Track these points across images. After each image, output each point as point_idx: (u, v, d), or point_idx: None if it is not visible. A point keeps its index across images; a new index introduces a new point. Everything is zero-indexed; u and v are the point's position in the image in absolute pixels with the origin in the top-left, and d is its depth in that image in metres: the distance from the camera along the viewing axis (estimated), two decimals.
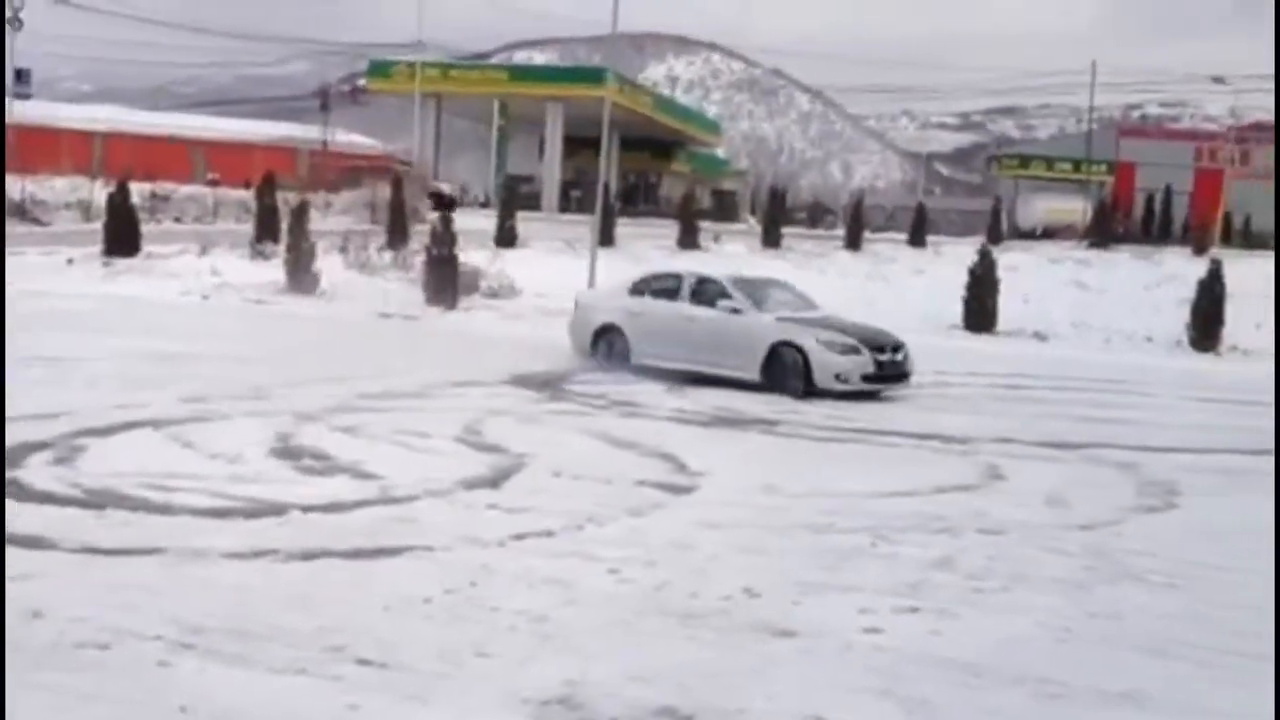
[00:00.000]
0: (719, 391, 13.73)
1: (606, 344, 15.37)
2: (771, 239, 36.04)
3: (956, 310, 23.71)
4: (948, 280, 25.20)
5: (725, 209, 60.35)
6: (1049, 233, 49.75)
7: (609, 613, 5.58)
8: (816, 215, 57.23)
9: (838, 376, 13.69)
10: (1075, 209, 48.89)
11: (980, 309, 23.59)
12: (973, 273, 23.94)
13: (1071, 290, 27.49)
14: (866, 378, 13.85)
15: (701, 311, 14.79)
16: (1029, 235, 49.21)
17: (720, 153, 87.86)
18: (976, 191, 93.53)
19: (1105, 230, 35.76)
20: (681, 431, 11.03)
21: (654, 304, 15.28)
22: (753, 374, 14.06)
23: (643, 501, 7.97)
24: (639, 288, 15.81)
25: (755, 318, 14.44)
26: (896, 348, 14.29)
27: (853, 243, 36.50)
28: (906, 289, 28.26)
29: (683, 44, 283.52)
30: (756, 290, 15.27)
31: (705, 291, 15.04)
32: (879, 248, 36.26)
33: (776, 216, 37.76)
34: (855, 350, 13.86)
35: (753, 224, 48.02)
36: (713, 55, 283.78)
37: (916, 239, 37.89)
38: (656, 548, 6.75)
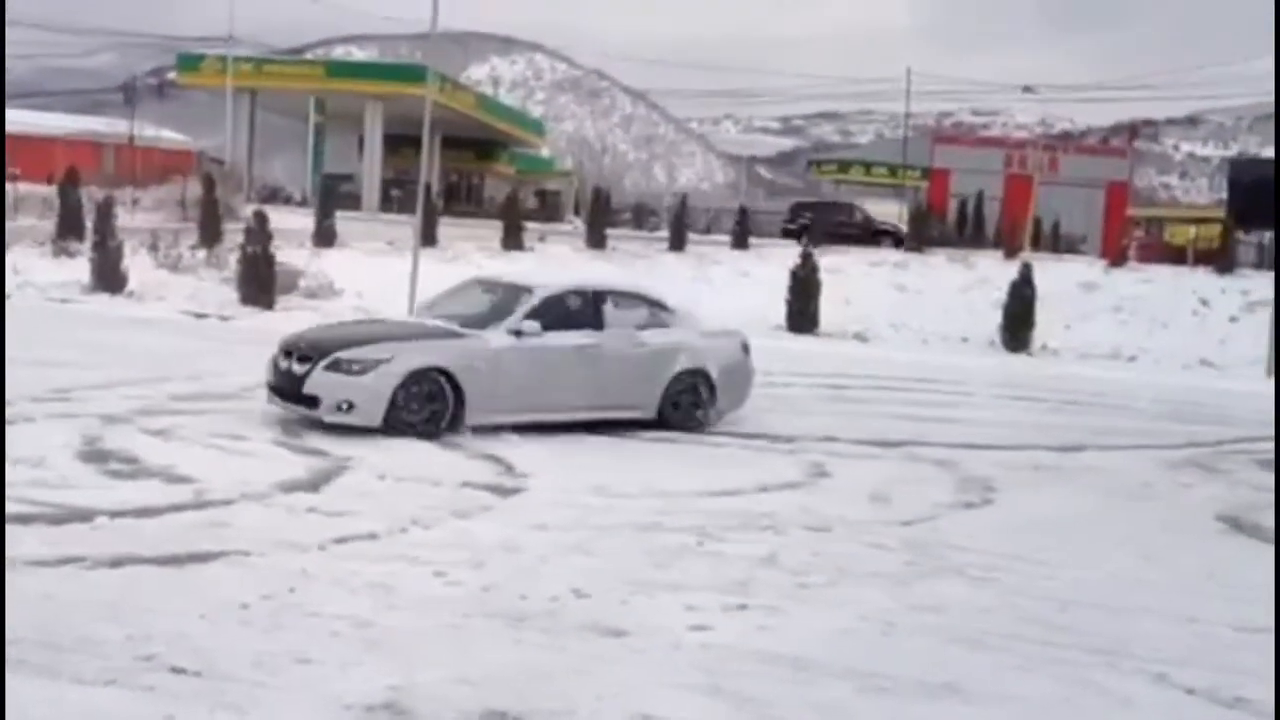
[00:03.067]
0: None
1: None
2: (596, 240, 36.12)
3: (780, 312, 24.16)
4: (771, 282, 25.66)
5: (550, 209, 60.23)
6: None
7: (435, 616, 5.50)
8: (641, 216, 57.60)
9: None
10: (892, 213, 50.27)
11: (803, 311, 24.09)
12: (795, 275, 24.44)
13: (890, 292, 28.24)
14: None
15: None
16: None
17: (544, 153, 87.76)
18: (798, 195, 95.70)
19: (921, 234, 36.89)
20: (509, 434, 10.95)
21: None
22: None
23: (470, 504, 7.89)
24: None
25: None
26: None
27: (677, 244, 36.82)
28: (731, 291, 28.65)
29: (506, 44, 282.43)
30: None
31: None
32: (703, 249, 36.66)
33: (601, 217, 37.85)
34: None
35: (577, 224, 48.09)
36: (536, 55, 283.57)
37: (740, 241, 38.44)
38: (484, 549, 6.69)
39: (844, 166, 73.29)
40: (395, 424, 10.13)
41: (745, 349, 12.41)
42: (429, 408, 10.31)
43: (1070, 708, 4.90)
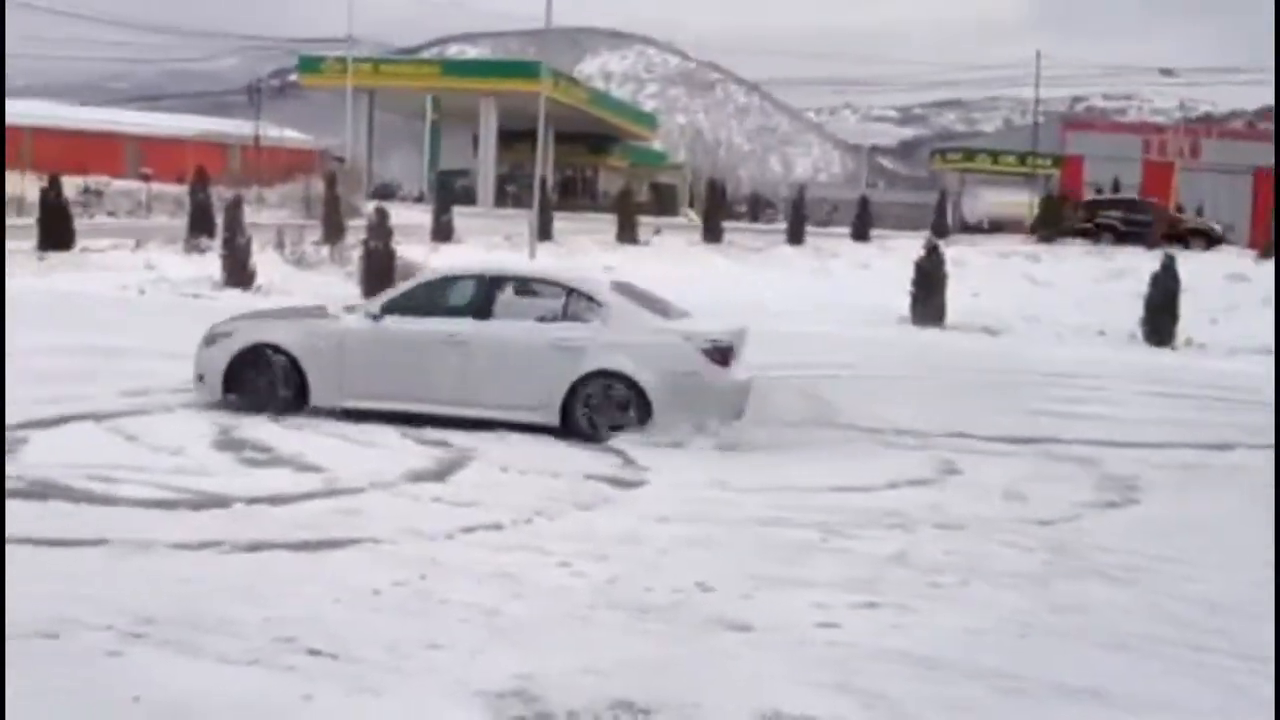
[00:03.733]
0: None
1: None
2: (712, 232, 36.07)
3: (904, 304, 23.77)
4: (894, 274, 25.28)
5: (663, 202, 60.34)
6: (996, 226, 49.99)
7: (560, 606, 5.56)
8: (756, 208, 57.35)
9: None
10: (1022, 202, 49.15)
11: (928, 303, 23.59)
12: (919, 267, 23.99)
13: (1021, 284, 27.56)
14: None
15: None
16: (975, 229, 49.43)
17: (657, 146, 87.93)
18: (920, 185, 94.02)
19: (1053, 224, 35.86)
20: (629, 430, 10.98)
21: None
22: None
23: (591, 496, 7.95)
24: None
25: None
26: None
27: (795, 236, 36.58)
28: (851, 283, 28.37)
29: (617, 38, 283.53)
30: None
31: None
32: (822, 242, 36.37)
33: (716, 210, 37.76)
34: None
35: (692, 217, 48.09)
36: (648, 49, 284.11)
37: (860, 233, 38.03)
38: (606, 542, 6.74)
39: (969, 155, 71.63)
40: (230, 398, 10.21)
41: (717, 354, 10.15)
42: (262, 382, 10.24)
43: (1223, 717, 4.71)
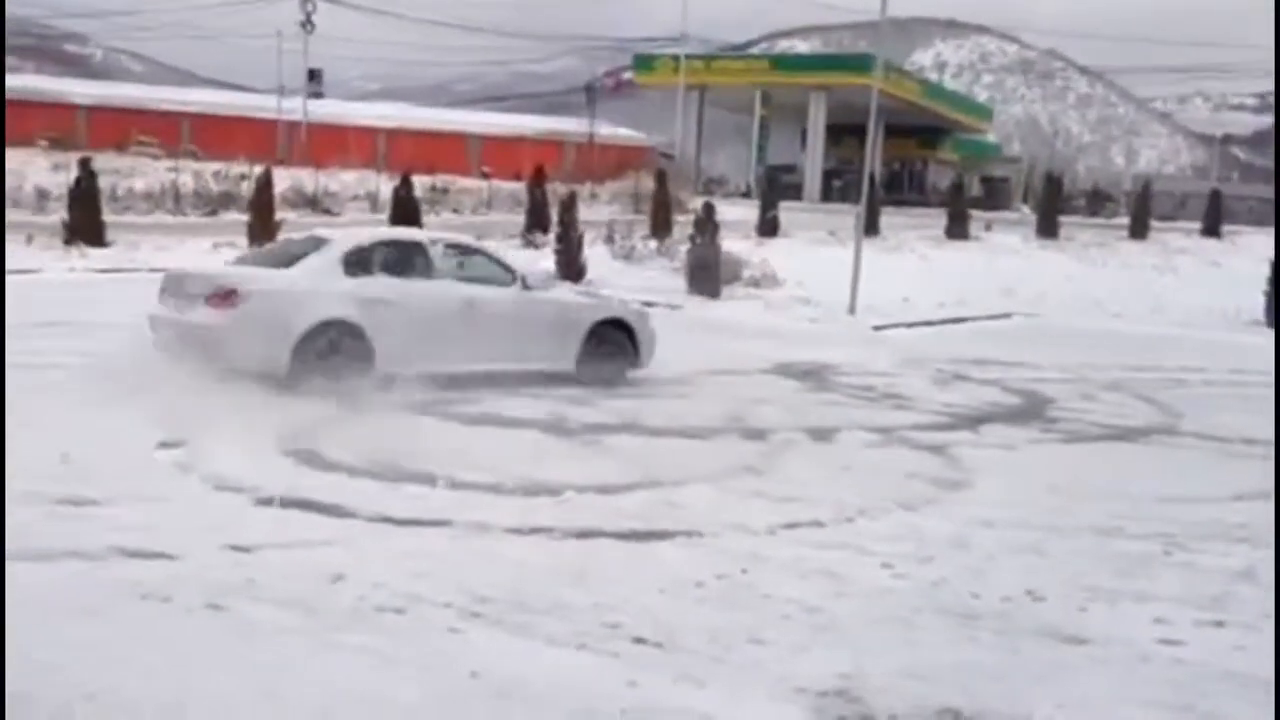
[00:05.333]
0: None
1: (329, 352, 10.16)
2: (1048, 228, 34.70)
3: (1257, 306, 22.11)
4: (1246, 273, 23.57)
5: (996, 197, 58.39)
6: None
7: (883, 608, 5.47)
8: (1096, 203, 54.70)
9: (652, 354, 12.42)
10: None
11: None
12: (1276, 265, 22.23)
13: None
14: None
15: (484, 291, 11.20)
16: None
17: (991, 138, 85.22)
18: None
19: None
20: (954, 425, 10.74)
21: (404, 286, 10.70)
22: (569, 363, 11.75)
23: (915, 497, 7.80)
24: (359, 261, 10.71)
25: (561, 294, 12.45)
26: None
27: (1138, 232, 34.75)
28: (1199, 282, 26.65)
29: (952, 27, 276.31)
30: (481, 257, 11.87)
31: (466, 264, 11.47)
32: (1167, 237, 34.36)
33: (1053, 204, 36.29)
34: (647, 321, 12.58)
35: (1026, 212, 46.39)
36: (983, 38, 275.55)
37: (1211, 228, 35.66)
38: (931, 544, 6.59)
39: None
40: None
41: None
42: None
43: None
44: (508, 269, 11.63)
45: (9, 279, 19.84)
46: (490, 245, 12.83)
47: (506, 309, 11.29)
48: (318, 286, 10.34)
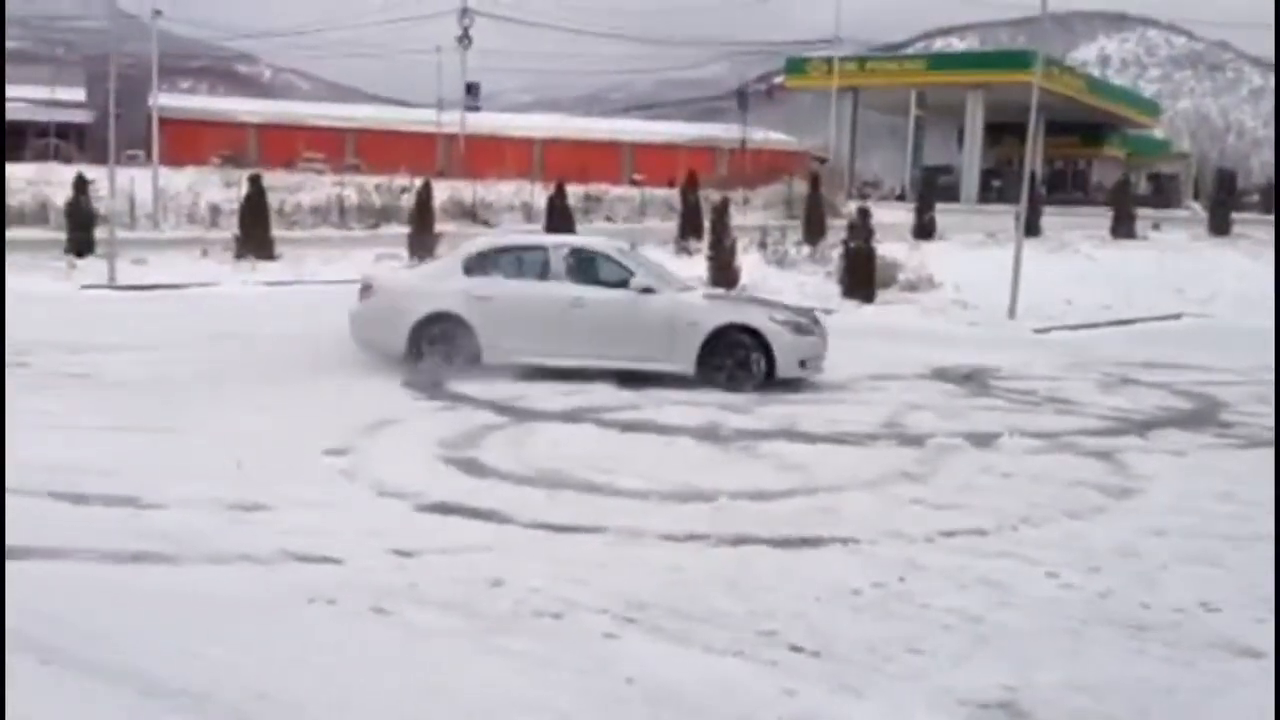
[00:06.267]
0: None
1: (439, 340, 12.02)
2: (1219, 225, 33.38)
3: None
4: None
5: (1164, 194, 56.40)
6: None
7: (1048, 618, 5.33)
8: (1270, 199, 52.47)
9: (802, 363, 12.06)
10: None
11: None
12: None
13: None
14: (819, 361, 12.38)
15: (594, 292, 12.13)
16: None
17: (1158, 134, 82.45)
18: None
19: None
20: (1121, 430, 10.40)
21: (512, 285, 12.19)
22: (686, 365, 11.88)
23: (1081, 504, 7.58)
24: (478, 265, 12.43)
25: (679, 297, 12.30)
26: (816, 322, 12.76)
27: None
28: None
29: (1116, 20, 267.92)
30: (642, 263, 12.88)
31: (589, 267, 12.38)
32: None
33: (1224, 201, 34.90)
34: (810, 330, 12.34)
35: (1196, 209, 44.75)
36: (1149, 31, 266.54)
37: None
38: (1099, 553, 6.40)
39: None
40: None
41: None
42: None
43: None
44: (629, 271, 12.21)
45: (195, 290, 20.80)
46: (613, 248, 12.94)
47: (615, 309, 12.02)
48: (434, 284, 12.38)
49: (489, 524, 6.62)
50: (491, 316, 11.94)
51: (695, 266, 25.35)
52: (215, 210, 33.90)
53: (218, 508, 6.63)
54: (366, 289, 12.58)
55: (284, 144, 56.54)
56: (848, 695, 4.40)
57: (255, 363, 12.57)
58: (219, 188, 37.96)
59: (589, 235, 28.66)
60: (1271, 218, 41.87)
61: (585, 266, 12.36)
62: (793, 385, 12.09)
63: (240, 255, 26.03)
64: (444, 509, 6.89)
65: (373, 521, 6.56)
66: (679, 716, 4.18)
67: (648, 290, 12.03)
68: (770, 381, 11.80)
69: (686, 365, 11.87)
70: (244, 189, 28.11)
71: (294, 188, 39.47)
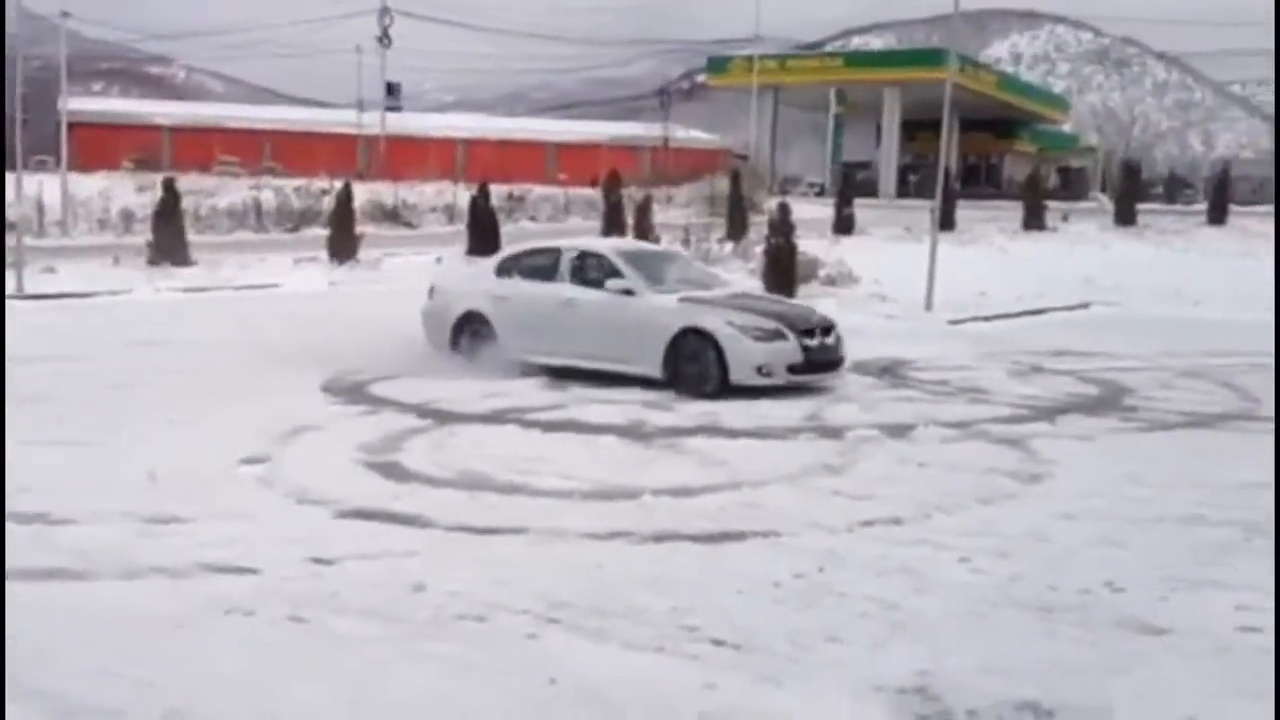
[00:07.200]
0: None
1: (470, 336, 12.93)
2: (1125, 216, 34.18)
3: None
4: None
5: (1073, 187, 57.61)
6: None
7: (961, 603, 5.45)
8: (1174, 189, 53.76)
9: (760, 369, 11.44)
10: None
11: None
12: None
13: None
14: (794, 368, 11.63)
15: (584, 293, 12.38)
16: None
17: (1067, 128, 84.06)
18: None
19: None
20: (1032, 417, 10.63)
21: (525, 286, 12.82)
22: (653, 369, 11.75)
23: (993, 491, 7.74)
24: (506, 267, 13.35)
25: (652, 299, 12.03)
26: (826, 329, 12.12)
27: (1216, 218, 34.09)
28: None
29: (1027, 18, 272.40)
30: (652, 265, 12.88)
31: (588, 269, 12.59)
32: (1247, 223, 33.60)
33: (1130, 192, 35.73)
34: (779, 335, 11.59)
35: (1104, 201, 45.69)
36: (1059, 27, 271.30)
37: None
38: (1010, 538, 6.55)
39: None
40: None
41: None
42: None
43: None
44: (619, 274, 12.22)
45: (106, 299, 20.44)
46: (612, 248, 13.23)
47: (599, 311, 12.16)
48: (472, 285, 13.48)
49: (410, 529, 6.60)
50: (508, 316, 12.70)
51: None
52: (128, 216, 33.35)
53: (131, 521, 6.54)
54: (431, 290, 13.70)
55: (199, 147, 55.75)
56: (767, 686, 4.47)
57: (170, 371, 12.41)
58: (132, 192, 37.38)
59: (514, 236, 28.63)
60: (1176, 208, 42.91)
61: (587, 269, 12.58)
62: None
63: (154, 261, 25.62)
64: (364, 515, 6.87)
65: (291, 530, 6.51)
66: (602, 715, 4.21)
67: (627, 292, 12.02)
68: (726, 388, 11.37)
69: (654, 368, 11.73)
70: (158, 193, 27.69)
71: (210, 191, 38.98)
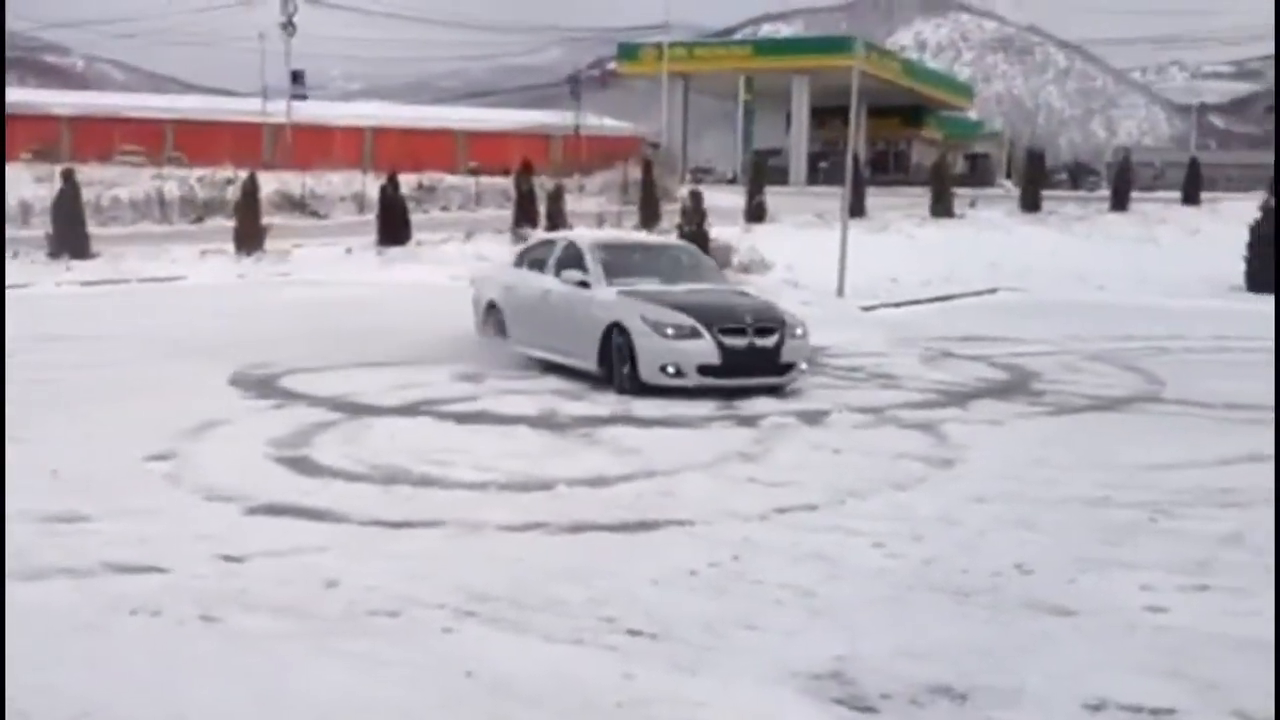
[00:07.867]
0: (980, 361, 13.33)
1: (493, 327, 13.29)
2: (1030, 202, 34.83)
3: (1238, 272, 22.24)
4: (1226, 240, 23.70)
5: (980, 173, 58.53)
6: None
7: (876, 588, 5.51)
8: (1078, 176, 54.90)
9: (664, 369, 10.79)
10: None
11: (1266, 269, 22.00)
12: (1255, 230, 22.40)
13: None
14: (706, 369, 10.82)
15: (556, 285, 12.29)
16: None
17: (973, 115, 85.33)
18: (1257, 144, 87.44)
19: None
20: (943, 403, 10.78)
21: (526, 277, 13.05)
22: (590, 363, 11.47)
23: (906, 476, 7.84)
24: (522, 257, 13.81)
25: (598, 292, 11.73)
26: (769, 330, 11.10)
27: (1119, 203, 34.87)
28: (1180, 250, 26.77)
29: (932, 6, 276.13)
30: (635, 259, 12.57)
31: (569, 260, 12.37)
32: (1148, 208, 34.45)
33: (1035, 179, 36.42)
34: (692, 333, 10.83)
35: (1009, 188, 46.52)
36: (963, 16, 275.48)
37: (1190, 197, 35.80)
38: (922, 522, 6.63)
39: None
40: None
41: None
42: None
43: None
44: (583, 265, 12.09)
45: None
46: (595, 239, 13.51)
47: (563, 303, 12.10)
48: (495, 276, 14.04)
49: (322, 524, 6.50)
50: (512, 306, 13.00)
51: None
52: (26, 208, 32.45)
53: (33, 520, 6.36)
54: (472, 280, 14.50)
55: (99, 137, 54.44)
56: (684, 674, 4.47)
57: (73, 367, 12.11)
58: (29, 184, 36.36)
59: (425, 226, 28.35)
60: (1079, 194, 43.80)
61: (568, 261, 12.35)
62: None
63: (54, 254, 25.02)
64: (275, 510, 6.75)
65: (199, 527, 6.37)
66: (519, 707, 4.18)
67: (583, 285, 11.84)
68: (639, 386, 10.85)
69: (590, 363, 11.44)
70: (56, 185, 27.00)
71: (111, 182, 38.09)
